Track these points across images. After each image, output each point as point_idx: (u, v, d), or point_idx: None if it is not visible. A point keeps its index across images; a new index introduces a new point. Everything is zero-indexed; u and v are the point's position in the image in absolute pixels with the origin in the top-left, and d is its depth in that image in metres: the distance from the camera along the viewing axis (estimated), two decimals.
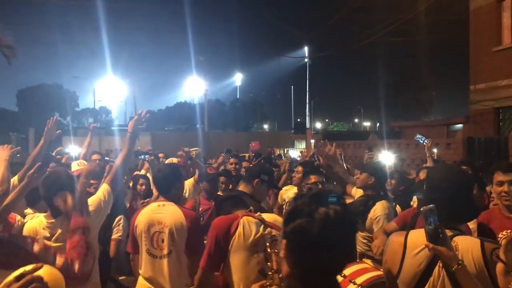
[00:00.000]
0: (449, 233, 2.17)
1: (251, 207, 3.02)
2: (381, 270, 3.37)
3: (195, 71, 41.21)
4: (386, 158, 7.57)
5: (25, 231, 3.23)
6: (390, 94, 49.46)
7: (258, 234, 2.80)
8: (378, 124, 68.79)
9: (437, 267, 2.16)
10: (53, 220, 3.16)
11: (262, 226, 2.83)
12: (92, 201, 3.38)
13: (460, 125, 18.97)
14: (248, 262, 2.76)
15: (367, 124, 78.84)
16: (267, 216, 2.93)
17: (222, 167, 7.23)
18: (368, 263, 3.58)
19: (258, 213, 2.94)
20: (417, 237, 2.24)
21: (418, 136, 6.24)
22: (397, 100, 46.75)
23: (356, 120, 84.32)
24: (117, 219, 4.81)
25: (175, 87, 70.24)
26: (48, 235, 3.12)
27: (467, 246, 2.15)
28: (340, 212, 1.40)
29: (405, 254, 2.24)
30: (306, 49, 52.98)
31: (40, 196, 3.24)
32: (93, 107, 56.14)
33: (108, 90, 51.24)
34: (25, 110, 51.11)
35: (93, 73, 71.58)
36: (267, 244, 2.14)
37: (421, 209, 2.02)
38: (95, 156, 6.78)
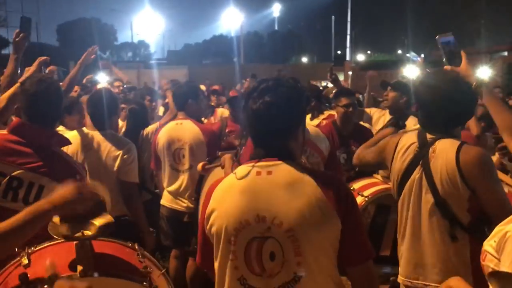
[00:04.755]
0: (431, 136, 2.24)
1: None
2: (390, 184, 3.44)
3: (232, 2, 40.39)
4: None
5: None
6: (436, 24, 47.10)
7: None
8: (422, 55, 66.06)
9: (418, 167, 2.25)
10: None
11: None
12: None
13: (505, 53, 18.12)
14: None
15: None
16: None
17: None
18: (378, 178, 3.66)
19: None
20: (407, 138, 2.38)
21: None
22: (443, 30, 44.64)
23: (400, 52, 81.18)
24: None
25: (213, 20, 68.63)
26: None
27: (444, 146, 2.18)
28: None
29: (395, 153, 2.37)
30: None
31: None
32: (131, 41, 56.51)
33: (146, 24, 51.17)
34: (65, 44, 51.98)
35: (130, 6, 70.81)
36: None
37: (438, 36, 2.19)
38: (117, 83, 7.09)
